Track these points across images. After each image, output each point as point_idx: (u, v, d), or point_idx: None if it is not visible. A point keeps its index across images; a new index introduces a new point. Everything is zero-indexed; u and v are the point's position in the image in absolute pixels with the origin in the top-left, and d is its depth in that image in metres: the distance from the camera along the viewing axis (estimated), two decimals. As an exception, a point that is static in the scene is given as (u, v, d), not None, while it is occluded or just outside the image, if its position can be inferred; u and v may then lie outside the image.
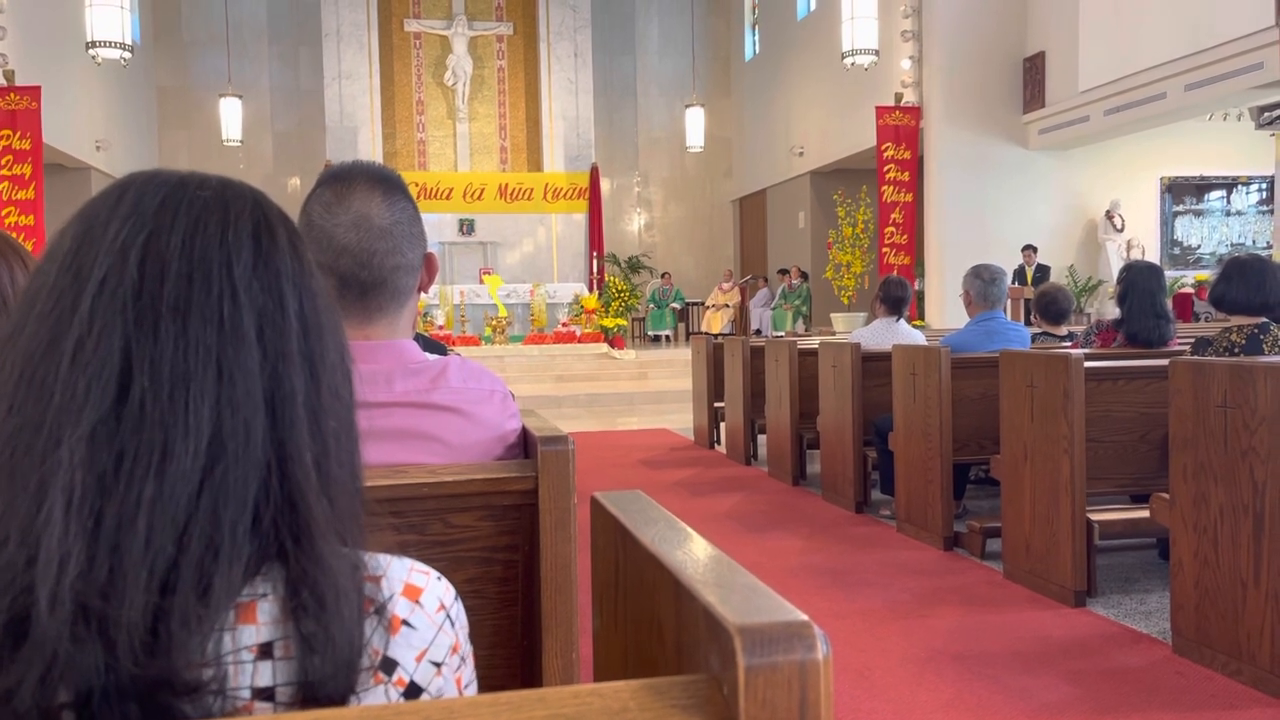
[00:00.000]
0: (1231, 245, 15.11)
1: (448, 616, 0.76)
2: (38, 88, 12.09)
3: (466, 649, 0.78)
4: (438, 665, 0.73)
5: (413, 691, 0.71)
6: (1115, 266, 12.81)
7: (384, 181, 1.49)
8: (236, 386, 0.67)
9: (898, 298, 6.43)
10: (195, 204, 0.71)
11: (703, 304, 19.59)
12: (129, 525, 0.63)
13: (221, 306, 0.68)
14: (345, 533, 0.72)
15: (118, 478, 0.63)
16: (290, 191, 19.00)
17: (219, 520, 0.65)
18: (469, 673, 0.78)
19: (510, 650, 1.51)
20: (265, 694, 0.65)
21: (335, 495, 0.72)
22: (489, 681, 1.47)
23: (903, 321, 6.45)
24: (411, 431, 1.46)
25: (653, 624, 0.75)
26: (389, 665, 0.71)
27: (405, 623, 0.72)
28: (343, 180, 1.47)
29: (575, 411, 12.00)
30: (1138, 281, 5.02)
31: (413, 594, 0.74)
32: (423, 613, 0.74)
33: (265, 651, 0.66)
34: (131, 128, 17.27)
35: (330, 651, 0.66)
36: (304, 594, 0.67)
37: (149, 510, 0.63)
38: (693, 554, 0.74)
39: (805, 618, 0.59)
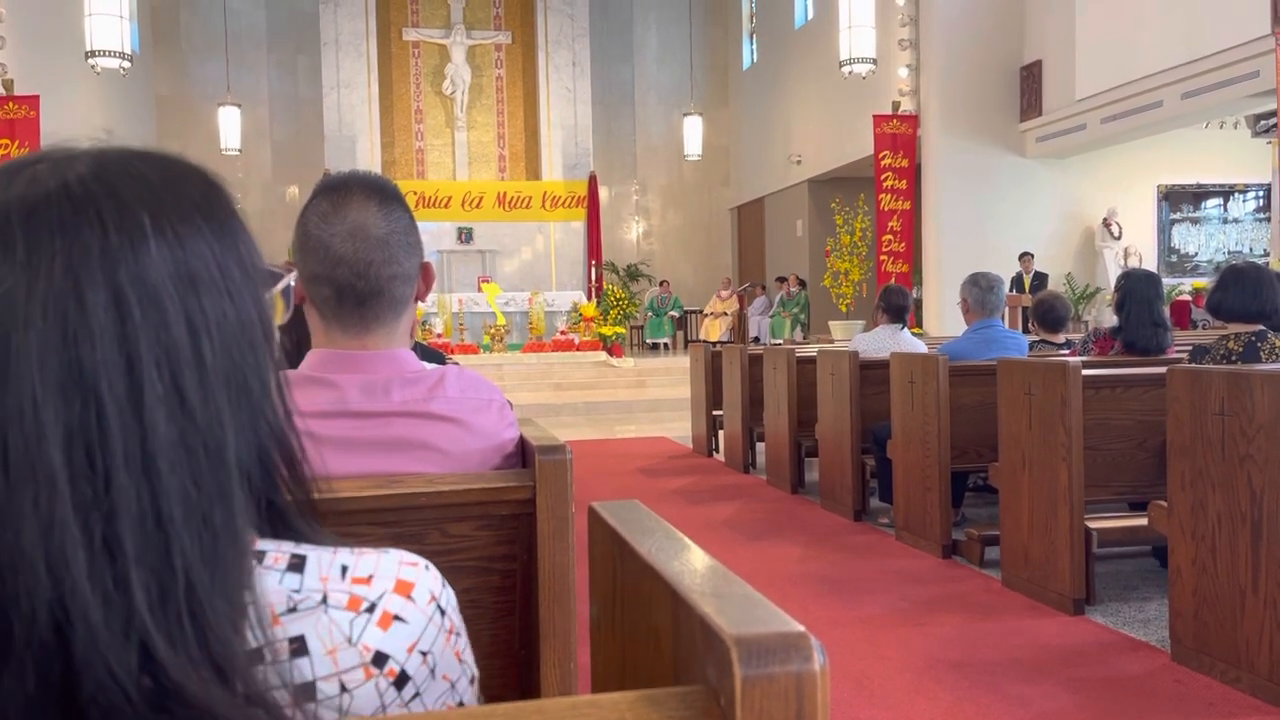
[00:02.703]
0: (1229, 253, 15.13)
1: (438, 607, 0.76)
2: (36, 97, 12.09)
3: (460, 625, 0.79)
4: (425, 654, 0.74)
5: (402, 680, 0.72)
6: (1113, 274, 12.83)
7: (380, 191, 1.49)
8: (60, 546, 0.59)
9: (899, 306, 6.44)
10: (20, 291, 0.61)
11: (701, 312, 19.61)
12: None
13: (37, 457, 0.59)
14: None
15: None
16: (288, 200, 19.02)
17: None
18: (464, 642, 0.79)
19: (508, 660, 1.50)
20: None
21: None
22: (487, 691, 1.46)
23: (905, 330, 6.45)
24: (409, 441, 1.47)
25: (650, 634, 0.75)
26: (380, 659, 0.71)
27: (397, 618, 0.73)
28: (339, 190, 1.48)
29: (573, 420, 11.99)
30: (1135, 289, 5.03)
31: (404, 590, 0.74)
32: (414, 607, 0.74)
33: None
34: (130, 137, 17.13)
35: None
36: None
37: None
38: (690, 564, 0.74)
39: (802, 628, 0.59)
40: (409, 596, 0.74)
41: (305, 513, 0.77)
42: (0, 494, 0.59)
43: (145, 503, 0.61)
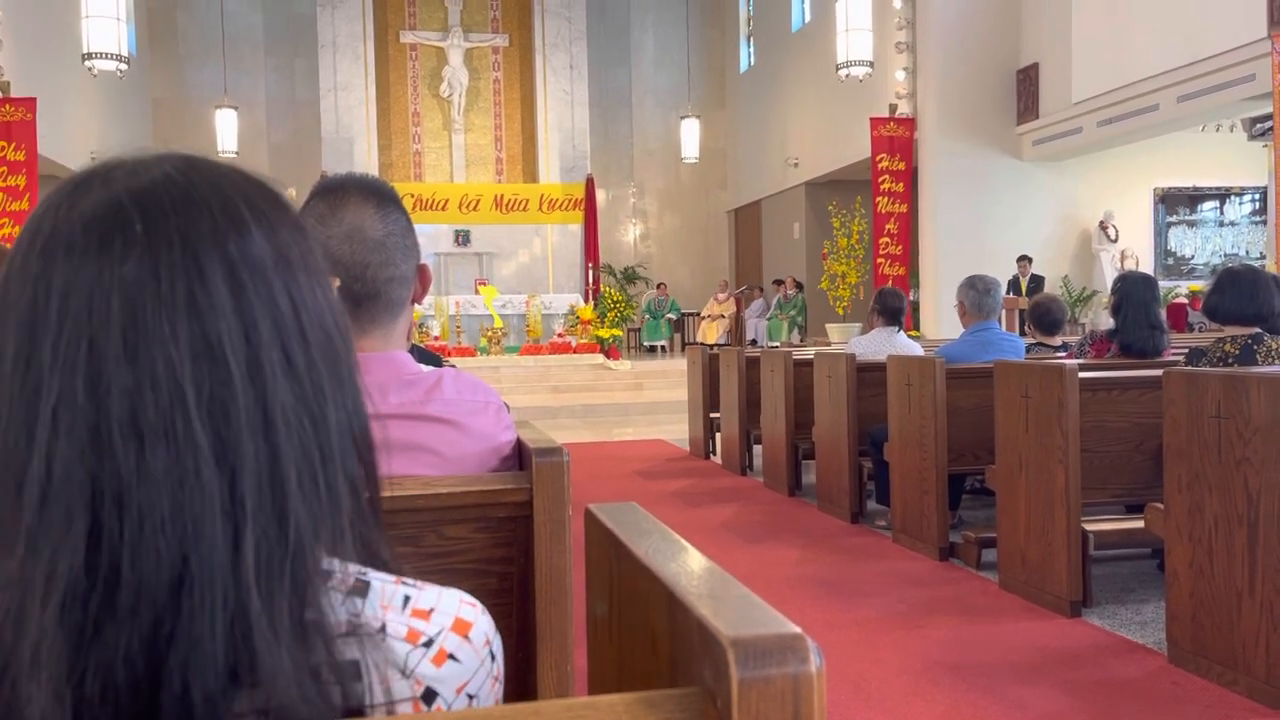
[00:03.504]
0: (1225, 256, 15.14)
1: (491, 651, 0.77)
2: (33, 99, 12.07)
3: (503, 672, 0.80)
4: (472, 698, 0.75)
5: None
6: (1109, 277, 12.83)
7: (377, 194, 1.49)
8: (198, 503, 0.63)
9: (894, 308, 6.45)
10: (126, 285, 0.64)
11: (698, 314, 19.61)
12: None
13: (174, 420, 0.63)
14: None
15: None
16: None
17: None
18: (501, 690, 0.81)
19: (505, 662, 1.50)
20: None
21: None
22: (483, 694, 1.46)
23: (901, 333, 6.46)
24: (406, 443, 1.46)
25: (647, 636, 0.75)
26: (430, 696, 0.72)
27: (451, 657, 0.73)
28: (336, 192, 1.48)
29: (571, 422, 11.99)
30: (1132, 292, 5.04)
31: (462, 629, 0.75)
32: (470, 648, 0.75)
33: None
34: (127, 139, 17.28)
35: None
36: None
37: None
38: (687, 566, 0.74)
39: (798, 630, 0.59)
40: (466, 636, 0.75)
41: (375, 510, 0.78)
42: (132, 458, 0.61)
43: (263, 464, 0.65)
